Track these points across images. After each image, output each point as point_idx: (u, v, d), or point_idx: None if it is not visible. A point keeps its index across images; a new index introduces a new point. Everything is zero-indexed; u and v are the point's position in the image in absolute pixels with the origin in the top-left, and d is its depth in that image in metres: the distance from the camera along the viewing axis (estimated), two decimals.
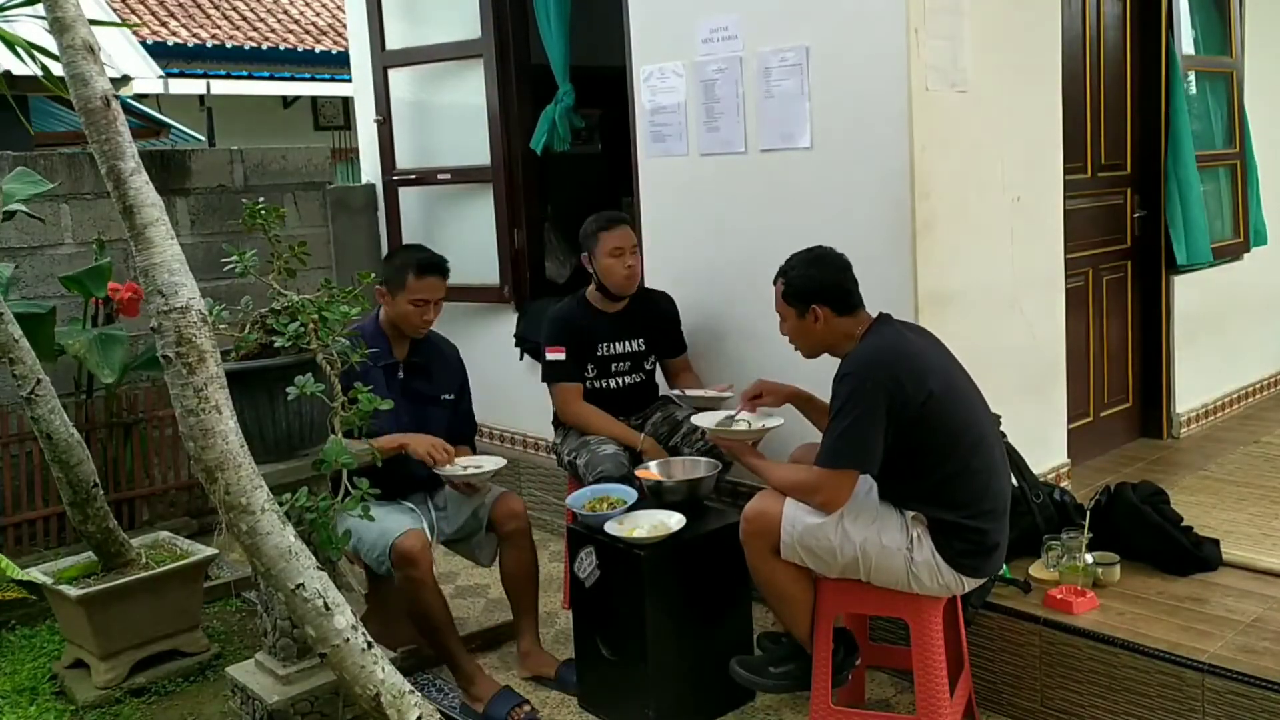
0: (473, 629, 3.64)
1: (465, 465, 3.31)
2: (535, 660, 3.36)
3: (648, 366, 3.75)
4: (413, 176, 5.09)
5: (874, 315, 2.74)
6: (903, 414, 2.49)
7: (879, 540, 2.57)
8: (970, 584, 2.62)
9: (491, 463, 3.33)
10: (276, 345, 2.68)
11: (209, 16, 13.32)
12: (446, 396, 3.53)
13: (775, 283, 2.82)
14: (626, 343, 3.68)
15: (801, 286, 2.73)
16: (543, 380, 3.72)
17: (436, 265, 3.42)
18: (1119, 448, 4.48)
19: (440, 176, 4.97)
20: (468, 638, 3.56)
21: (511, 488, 4.83)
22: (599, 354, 3.66)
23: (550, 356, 3.65)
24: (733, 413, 3.10)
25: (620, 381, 3.69)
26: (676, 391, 3.64)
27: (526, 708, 3.09)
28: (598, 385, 3.68)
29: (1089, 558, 2.98)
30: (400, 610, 3.45)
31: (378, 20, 5.04)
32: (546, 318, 3.77)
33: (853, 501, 2.61)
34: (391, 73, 5.09)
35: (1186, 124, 4.41)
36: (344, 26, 9.28)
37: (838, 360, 2.68)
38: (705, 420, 3.16)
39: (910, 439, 2.52)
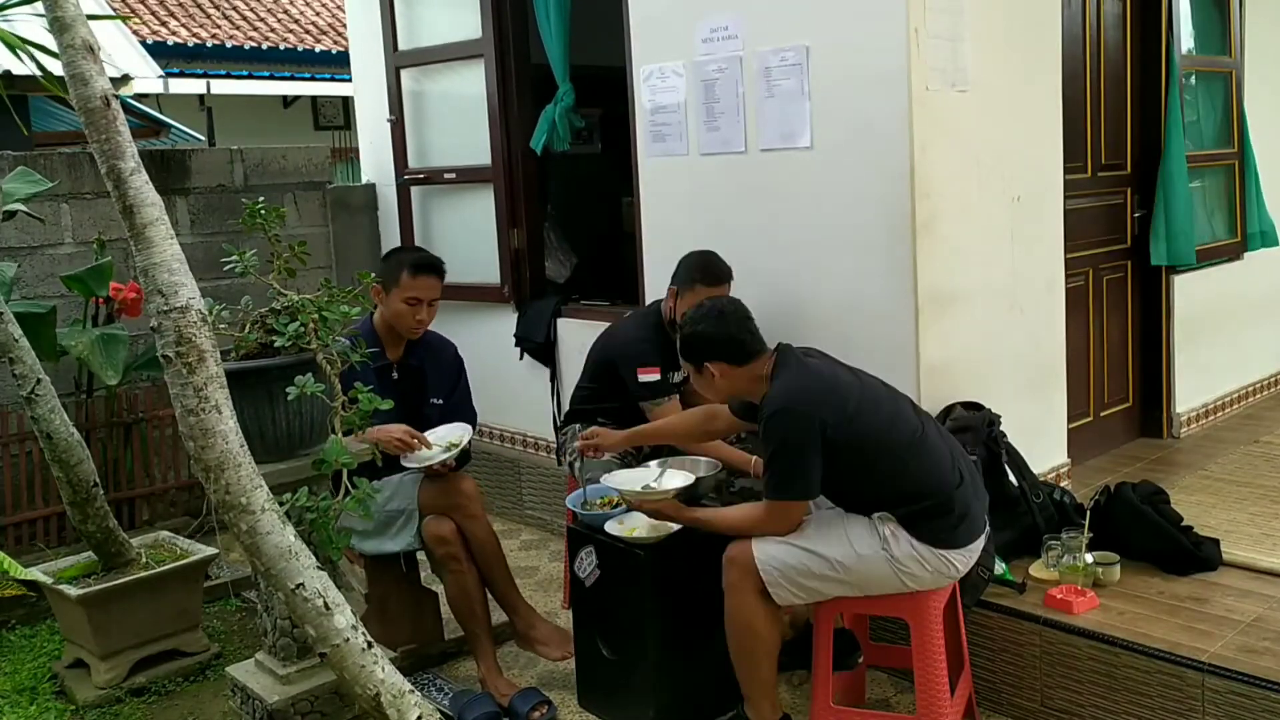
0: None
1: (433, 442, 3.26)
2: (492, 685, 3.22)
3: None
4: (422, 176, 5.09)
5: (773, 352, 2.70)
6: (834, 443, 2.52)
7: (854, 551, 2.57)
8: (960, 560, 2.60)
9: (456, 433, 3.29)
10: (276, 345, 2.68)
11: (209, 16, 13.32)
12: (435, 400, 3.50)
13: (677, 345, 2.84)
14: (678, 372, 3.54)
15: (693, 345, 2.73)
16: (640, 400, 3.47)
17: (432, 265, 3.40)
18: (1119, 447, 4.48)
19: (447, 176, 4.97)
20: (464, 638, 3.56)
21: (511, 488, 4.84)
22: (672, 380, 3.50)
23: (649, 377, 3.43)
24: (655, 472, 3.04)
25: None
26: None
27: (546, 707, 3.11)
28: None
29: (1089, 557, 2.98)
30: (400, 610, 3.45)
31: (390, 21, 5.04)
32: (630, 338, 3.55)
33: (817, 524, 2.64)
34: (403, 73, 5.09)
35: (1179, 124, 4.40)
36: (344, 26, 9.28)
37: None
38: (619, 483, 3.02)
39: (847, 460, 2.56)
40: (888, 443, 2.58)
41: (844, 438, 2.53)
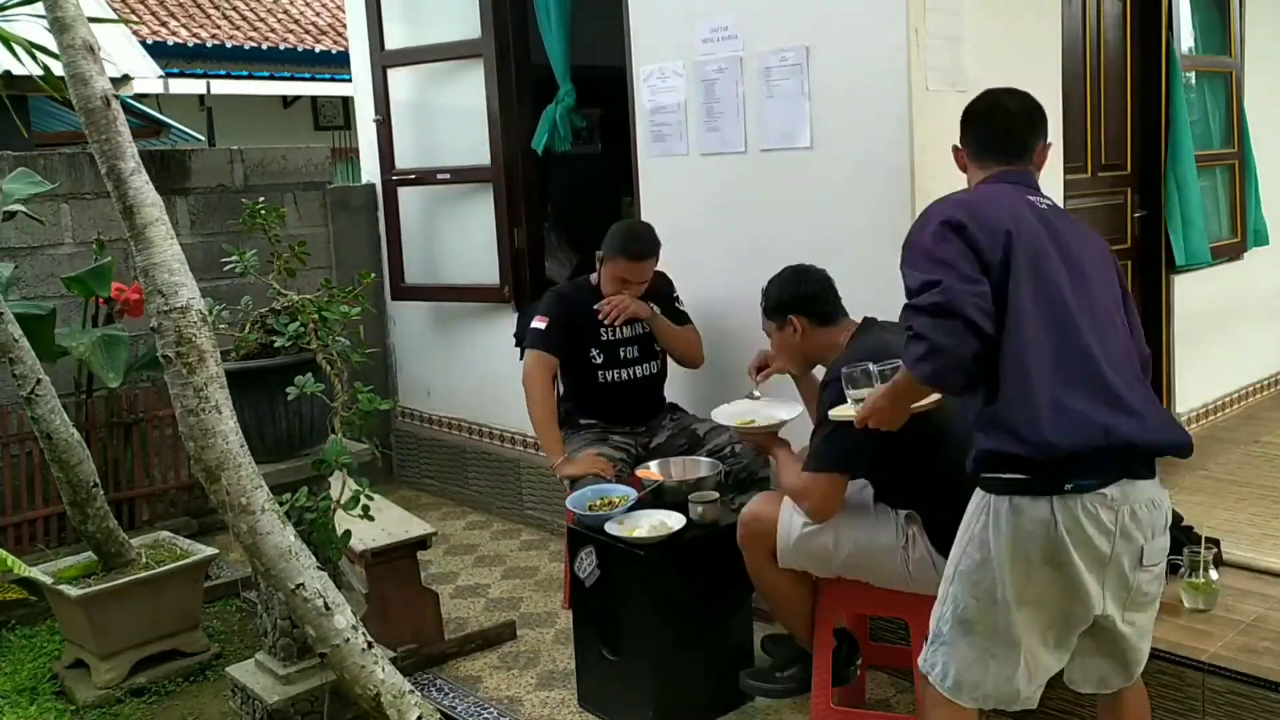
0: (472, 629, 3.64)
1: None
2: None
3: (657, 350, 3.68)
4: (412, 176, 5.09)
5: (858, 321, 2.74)
6: None
7: (873, 541, 2.57)
8: None
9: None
10: (276, 345, 2.69)
11: (209, 16, 13.32)
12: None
13: (761, 303, 2.88)
14: (630, 325, 3.62)
15: (777, 300, 2.81)
16: (517, 346, 3.74)
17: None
18: None
19: (440, 176, 4.97)
20: (467, 638, 3.56)
21: (511, 488, 4.84)
22: (603, 337, 3.59)
23: (535, 324, 3.59)
24: (751, 393, 3.12)
25: (632, 373, 3.62)
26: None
27: None
28: (609, 378, 3.60)
29: (1214, 574, 2.87)
30: (400, 610, 3.45)
31: (377, 20, 5.04)
32: (547, 292, 3.79)
33: (847, 503, 2.62)
34: (391, 73, 5.09)
35: (1186, 123, 4.41)
36: (344, 26, 9.28)
37: None
38: (725, 416, 3.12)
39: (898, 440, 2.51)
40: (946, 438, 2.52)
41: None
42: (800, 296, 2.77)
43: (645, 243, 3.54)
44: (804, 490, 2.59)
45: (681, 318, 3.72)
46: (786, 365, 2.90)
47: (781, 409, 3.06)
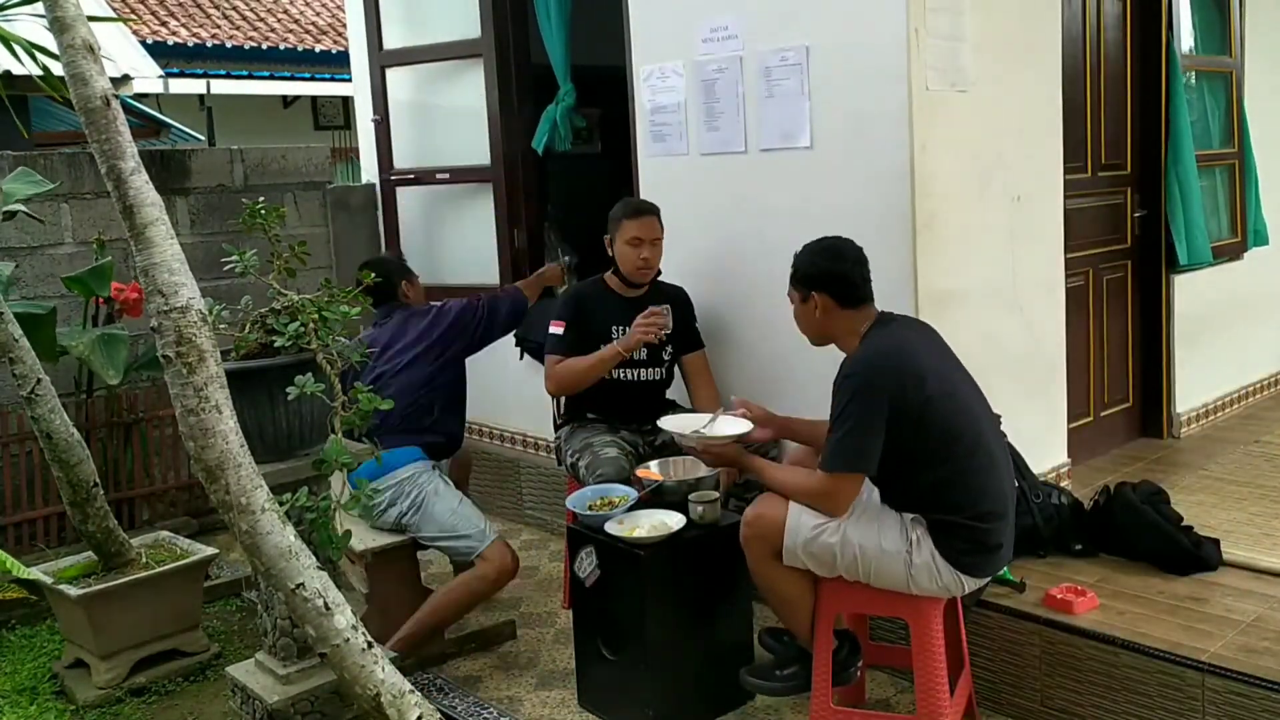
0: (472, 629, 3.64)
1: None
2: None
3: (666, 358, 3.66)
4: (411, 176, 5.09)
5: (877, 312, 2.73)
6: (902, 417, 2.49)
7: (879, 543, 2.57)
8: (971, 583, 2.61)
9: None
10: (276, 345, 2.68)
11: (209, 16, 13.33)
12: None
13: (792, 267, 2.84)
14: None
15: (805, 272, 2.75)
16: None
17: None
18: (1119, 447, 4.48)
19: (439, 176, 4.97)
20: (467, 637, 3.57)
21: (511, 488, 4.84)
22: (614, 338, 3.58)
23: (552, 329, 3.62)
24: (709, 418, 3.07)
25: (638, 375, 3.60)
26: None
27: None
28: (617, 376, 3.58)
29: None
30: (400, 610, 3.45)
31: (375, 19, 5.04)
32: (562, 293, 3.80)
33: (854, 505, 2.61)
34: (391, 72, 5.09)
35: (1186, 123, 4.41)
36: (344, 26, 9.29)
37: (840, 354, 2.68)
38: (673, 425, 3.08)
39: (907, 441, 2.52)
40: (954, 442, 2.54)
41: (913, 418, 2.49)
42: (829, 274, 2.69)
43: (643, 202, 3.71)
44: (823, 491, 2.58)
45: (695, 341, 3.70)
46: (806, 336, 2.83)
47: (730, 426, 3.00)
